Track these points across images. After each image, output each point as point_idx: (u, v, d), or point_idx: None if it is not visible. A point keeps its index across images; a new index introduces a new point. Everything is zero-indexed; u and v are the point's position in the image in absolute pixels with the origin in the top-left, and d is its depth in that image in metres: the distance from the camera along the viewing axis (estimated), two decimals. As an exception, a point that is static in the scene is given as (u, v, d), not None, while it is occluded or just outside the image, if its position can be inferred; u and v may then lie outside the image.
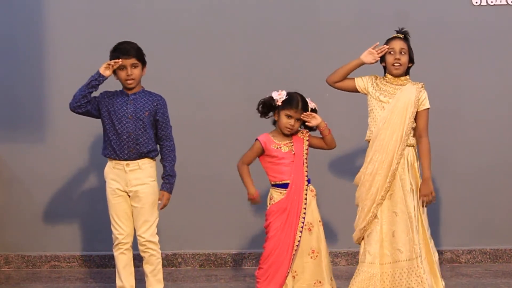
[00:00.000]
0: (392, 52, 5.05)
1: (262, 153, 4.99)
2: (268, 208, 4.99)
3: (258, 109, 5.03)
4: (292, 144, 4.97)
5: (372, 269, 4.96)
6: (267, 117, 5.05)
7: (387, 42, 5.10)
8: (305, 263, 4.92)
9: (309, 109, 4.99)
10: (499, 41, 6.74)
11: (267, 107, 5.01)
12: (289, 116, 4.94)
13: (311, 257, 4.92)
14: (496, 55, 6.73)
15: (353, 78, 5.16)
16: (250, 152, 5.02)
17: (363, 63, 5.07)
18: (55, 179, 6.74)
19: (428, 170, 5.00)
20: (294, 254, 4.87)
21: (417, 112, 5.04)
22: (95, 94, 5.19)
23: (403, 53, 5.05)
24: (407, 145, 5.01)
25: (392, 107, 5.01)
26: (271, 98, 4.99)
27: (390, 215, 4.98)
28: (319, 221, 4.99)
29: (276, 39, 6.76)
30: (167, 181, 5.21)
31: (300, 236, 4.88)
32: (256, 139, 5.01)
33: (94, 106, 5.17)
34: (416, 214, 4.95)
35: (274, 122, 5.03)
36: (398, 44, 5.05)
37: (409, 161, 5.02)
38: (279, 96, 4.97)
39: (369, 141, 5.11)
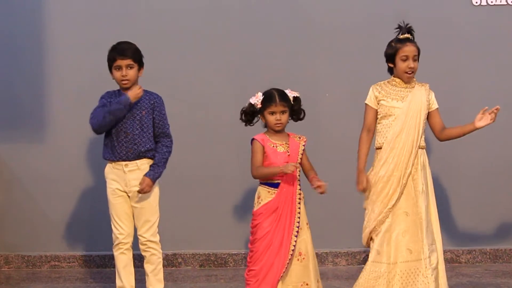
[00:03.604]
0: (405, 59, 4.99)
1: (263, 149, 4.97)
2: (256, 208, 4.94)
3: (241, 118, 5.03)
4: (288, 145, 4.96)
5: (379, 268, 4.93)
6: (251, 124, 5.03)
7: (399, 45, 5.01)
8: (293, 265, 4.88)
9: (291, 98, 4.97)
10: (499, 41, 6.74)
11: (250, 114, 5.00)
12: (272, 113, 4.93)
13: (298, 260, 4.89)
14: (496, 55, 6.73)
15: (372, 109, 5.10)
16: (255, 154, 4.95)
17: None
18: (55, 179, 6.74)
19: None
20: (290, 259, 4.86)
21: (429, 113, 5.05)
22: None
23: (415, 59, 5.02)
24: (420, 147, 5.00)
25: (407, 110, 4.97)
26: (251, 104, 4.99)
27: (401, 215, 4.95)
28: (307, 224, 4.96)
29: (276, 39, 6.76)
30: (152, 168, 5.16)
31: (295, 241, 4.87)
32: (253, 139, 5.00)
33: None
34: (426, 215, 4.94)
35: (265, 126, 5.01)
36: (411, 51, 4.99)
37: (421, 162, 5.01)
38: (257, 99, 4.98)
39: (377, 148, 5.07)
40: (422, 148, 5.03)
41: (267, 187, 4.93)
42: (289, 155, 4.93)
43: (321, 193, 4.87)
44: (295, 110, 5.00)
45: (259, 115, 5.00)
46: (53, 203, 6.76)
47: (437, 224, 5.04)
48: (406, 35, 5.07)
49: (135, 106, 5.15)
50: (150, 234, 5.17)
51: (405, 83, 5.05)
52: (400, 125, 4.98)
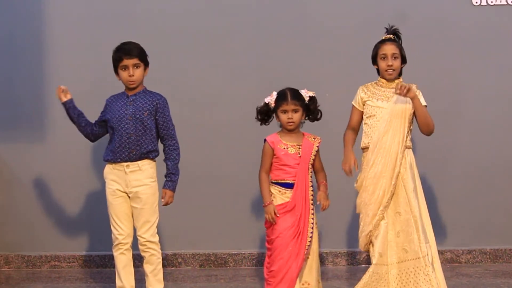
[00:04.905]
0: (384, 58, 5.05)
1: (273, 152, 4.99)
2: None
3: (256, 117, 5.06)
4: (300, 147, 4.96)
5: (381, 270, 4.95)
6: (267, 123, 5.08)
7: (378, 45, 5.10)
8: None
9: (306, 98, 4.99)
10: (499, 41, 6.74)
11: (264, 113, 5.05)
12: (284, 111, 4.95)
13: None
14: (496, 55, 6.73)
15: (357, 110, 5.19)
16: (264, 157, 4.99)
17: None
18: (55, 179, 6.74)
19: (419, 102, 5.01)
20: (305, 259, 4.87)
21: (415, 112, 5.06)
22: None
23: (395, 57, 5.05)
24: (406, 147, 5.02)
25: (391, 110, 5.02)
26: (265, 103, 5.03)
27: (394, 216, 4.98)
28: (316, 223, 4.98)
29: (276, 39, 6.76)
30: (169, 179, 5.20)
31: (310, 241, 4.88)
32: (265, 140, 5.01)
33: (98, 126, 5.29)
34: (421, 213, 4.96)
35: (281, 126, 5.04)
36: (390, 49, 5.05)
37: (409, 161, 5.03)
38: (271, 98, 5.02)
39: (363, 149, 5.12)
40: (408, 148, 5.06)
41: (278, 186, 4.95)
42: (300, 156, 4.94)
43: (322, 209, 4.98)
44: (311, 110, 5.02)
45: (274, 115, 5.03)
46: (53, 203, 6.76)
47: (428, 222, 5.06)
48: (388, 36, 5.12)
49: (137, 107, 5.15)
50: (149, 235, 5.16)
51: (388, 81, 5.09)
52: (385, 125, 5.02)
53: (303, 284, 4.92)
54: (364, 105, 5.14)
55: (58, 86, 5.27)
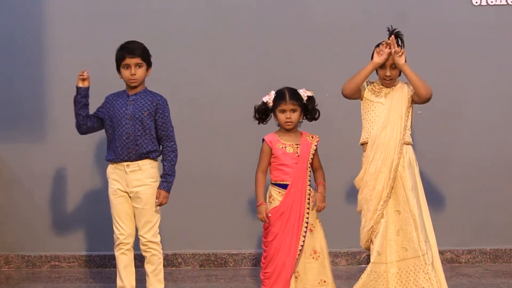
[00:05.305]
0: (382, 67, 5.06)
1: (271, 152, 4.99)
2: (268, 209, 4.97)
3: (254, 116, 5.06)
4: (298, 146, 4.97)
5: (379, 269, 4.96)
6: (265, 122, 5.08)
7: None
8: (307, 263, 4.93)
9: (304, 98, 4.99)
10: (499, 41, 6.74)
11: (262, 112, 5.04)
12: (283, 111, 4.96)
13: (313, 258, 4.93)
14: (496, 55, 6.73)
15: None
16: (262, 157, 5.00)
17: (377, 65, 5.04)
18: (55, 179, 6.74)
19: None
20: (297, 258, 4.88)
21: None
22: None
23: (393, 67, 5.05)
24: (405, 143, 5.02)
25: (389, 106, 5.05)
26: (263, 103, 5.03)
27: (394, 214, 4.99)
28: (319, 222, 5.00)
29: (277, 39, 6.76)
30: (164, 179, 5.19)
31: (303, 241, 4.89)
32: (263, 139, 5.01)
33: (95, 120, 5.23)
34: (420, 211, 4.96)
35: (279, 125, 5.05)
36: (389, 59, 5.04)
37: (408, 159, 5.04)
38: (269, 97, 5.02)
39: (363, 144, 5.13)
40: (408, 144, 5.06)
41: (276, 187, 4.97)
42: (298, 155, 4.94)
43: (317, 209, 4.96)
44: (309, 110, 5.02)
45: (272, 114, 5.03)
46: (53, 203, 6.76)
47: (429, 221, 5.07)
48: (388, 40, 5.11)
49: (137, 107, 5.15)
50: (151, 235, 5.16)
51: (386, 87, 5.11)
52: (383, 120, 5.03)
53: (319, 283, 4.93)
54: (364, 90, 5.14)
55: (83, 70, 5.18)
